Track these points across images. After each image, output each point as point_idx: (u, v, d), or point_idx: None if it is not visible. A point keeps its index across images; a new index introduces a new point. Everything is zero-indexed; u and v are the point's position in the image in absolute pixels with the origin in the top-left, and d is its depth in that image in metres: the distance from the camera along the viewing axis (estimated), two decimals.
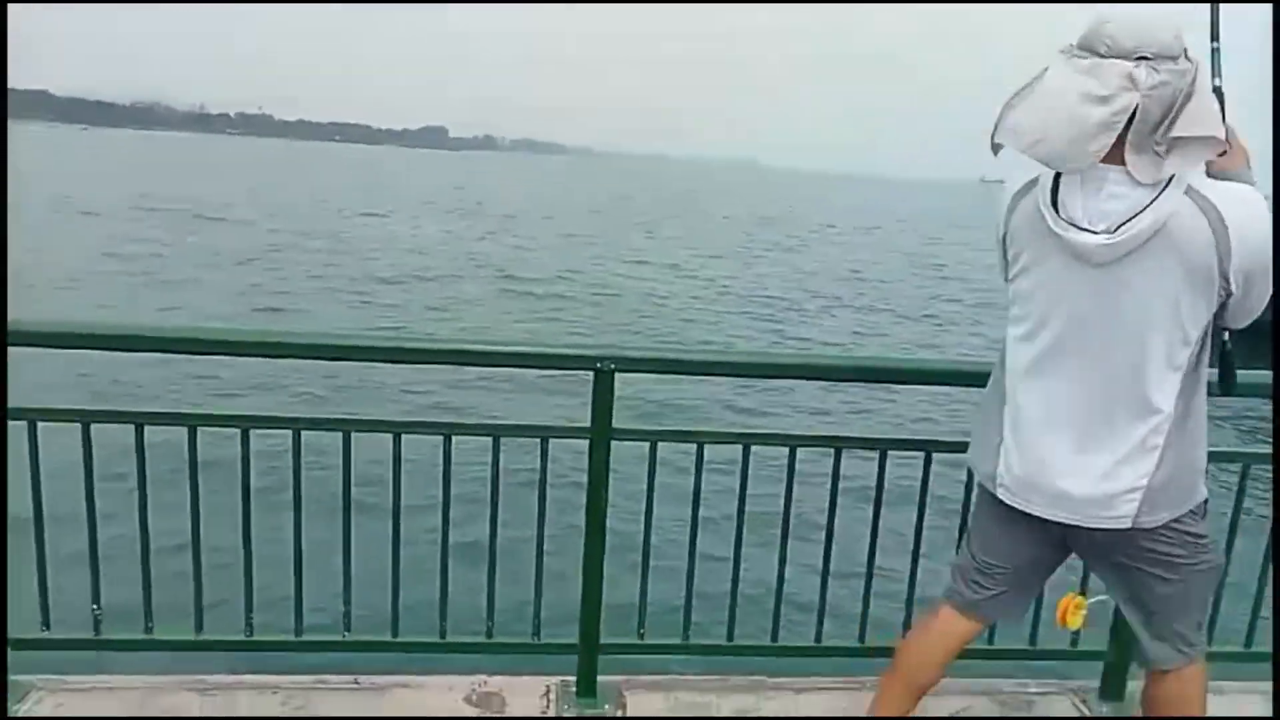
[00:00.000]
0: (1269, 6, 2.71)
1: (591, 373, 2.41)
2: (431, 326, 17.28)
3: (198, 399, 10.13)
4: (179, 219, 33.92)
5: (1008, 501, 1.95)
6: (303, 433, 2.44)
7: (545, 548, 2.57)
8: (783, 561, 2.62)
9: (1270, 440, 2.53)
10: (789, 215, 64.34)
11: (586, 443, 2.46)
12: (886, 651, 2.70)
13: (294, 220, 37.14)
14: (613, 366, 2.39)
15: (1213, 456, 2.65)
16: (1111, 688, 2.73)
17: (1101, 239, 1.71)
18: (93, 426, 2.37)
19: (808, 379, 2.96)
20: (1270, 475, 2.62)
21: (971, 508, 2.25)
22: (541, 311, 20.37)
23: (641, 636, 2.63)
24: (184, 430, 2.40)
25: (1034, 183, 1.85)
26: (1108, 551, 1.96)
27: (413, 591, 2.55)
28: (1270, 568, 2.72)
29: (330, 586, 2.52)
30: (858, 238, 48.46)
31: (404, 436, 2.46)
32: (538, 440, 2.50)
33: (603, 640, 2.55)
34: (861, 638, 2.68)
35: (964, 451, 2.61)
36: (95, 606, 2.45)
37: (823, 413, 12.02)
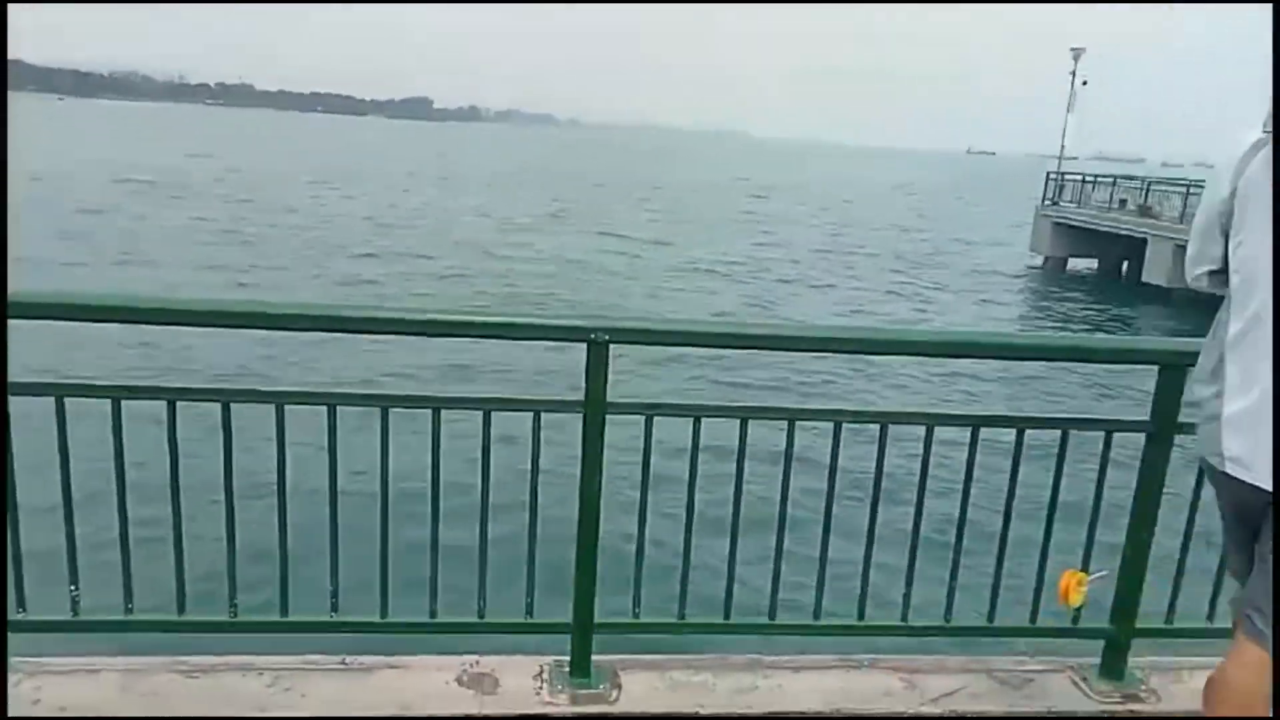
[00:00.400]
0: (1269, 6, 2.65)
1: (585, 344, 2.33)
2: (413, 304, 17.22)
3: (172, 376, 10.02)
4: (150, 192, 33.49)
5: (1235, 475, 1.82)
6: (286, 407, 2.35)
7: (538, 525, 2.50)
8: (780, 539, 2.56)
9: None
10: (779, 186, 64.15)
11: (580, 417, 2.38)
12: (885, 630, 2.67)
13: (269, 193, 36.73)
14: (607, 338, 2.31)
15: (1196, 429, 2.62)
16: (1112, 665, 2.70)
17: None
18: (66, 401, 2.28)
19: (813, 351, 2.88)
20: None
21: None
22: (526, 286, 20.26)
23: (637, 616, 2.57)
24: (163, 405, 2.31)
25: (1266, 139, 1.77)
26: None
27: (402, 570, 2.47)
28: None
29: (317, 566, 2.45)
30: (847, 209, 48.35)
31: (391, 411, 2.38)
32: (530, 415, 2.42)
33: (597, 620, 2.50)
34: (860, 615, 2.64)
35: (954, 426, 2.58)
36: (73, 587, 2.37)
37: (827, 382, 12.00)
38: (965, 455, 2.56)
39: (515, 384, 11.01)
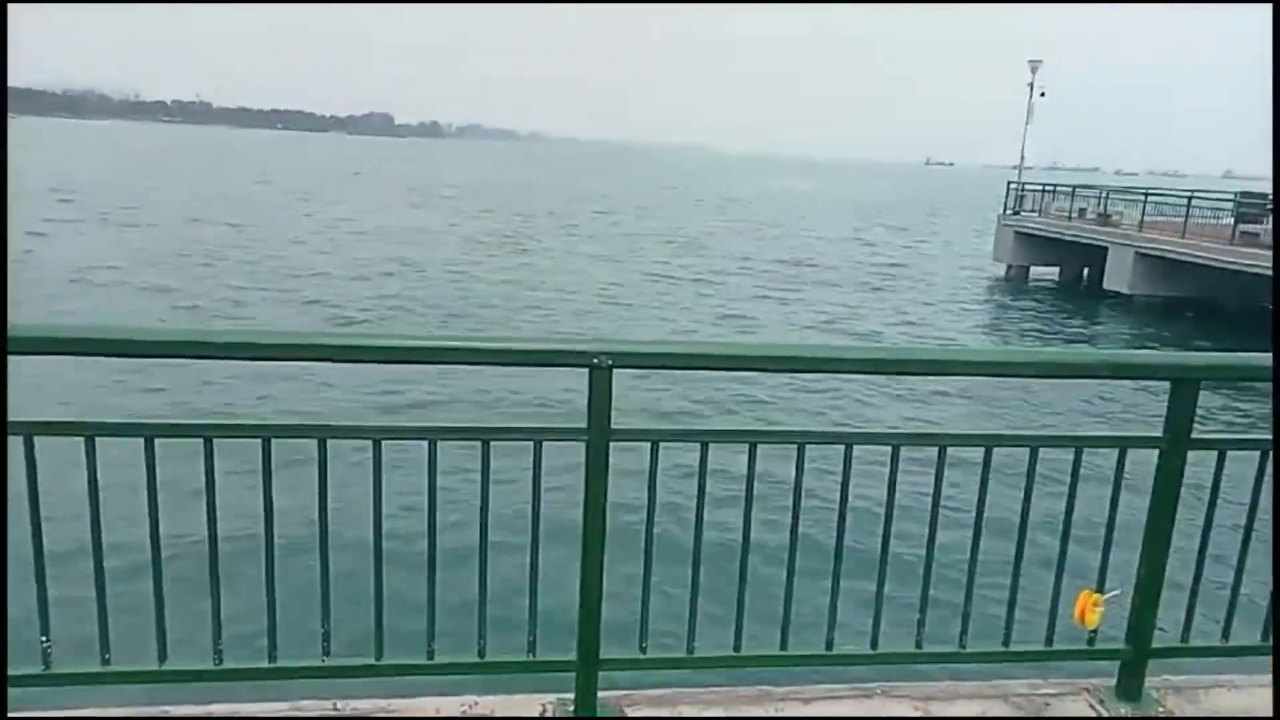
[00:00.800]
0: (1269, 7, 2.64)
1: (587, 369, 2.23)
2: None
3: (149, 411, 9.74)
4: (93, 212, 32.85)
5: None
6: (273, 441, 2.22)
7: (540, 558, 2.39)
8: (791, 566, 2.48)
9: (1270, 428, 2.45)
10: (746, 199, 64.53)
11: (583, 445, 2.28)
12: (900, 658, 2.59)
13: (230, 211, 36.22)
14: (610, 362, 2.22)
15: (1209, 444, 2.58)
16: (1128, 687, 2.64)
17: None
18: (36, 439, 2.13)
19: (820, 371, 2.80)
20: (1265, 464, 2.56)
21: None
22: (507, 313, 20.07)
23: (644, 650, 2.46)
24: (139, 442, 2.17)
25: None
26: None
27: (397, 610, 2.35)
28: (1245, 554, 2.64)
29: (307, 608, 2.32)
30: (812, 222, 48.69)
31: (385, 443, 2.26)
32: (530, 443, 2.31)
33: (603, 655, 2.39)
34: (874, 644, 2.55)
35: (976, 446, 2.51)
36: (44, 638, 2.21)
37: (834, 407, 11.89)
38: (978, 476, 2.49)
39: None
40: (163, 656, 2.27)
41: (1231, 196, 25.75)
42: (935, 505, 2.50)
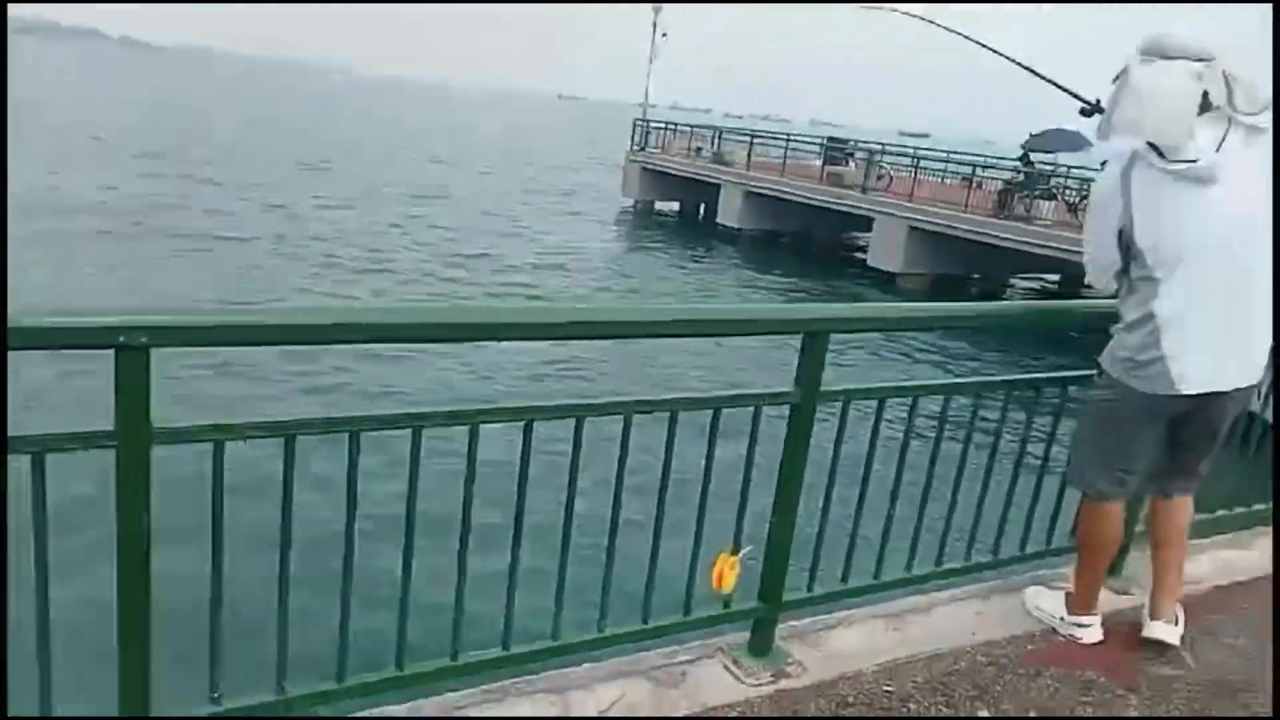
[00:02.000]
0: (1269, 6, 2.68)
1: (112, 350, 1.62)
2: None
3: None
4: None
5: (1192, 392, 2.46)
6: None
7: (51, 600, 1.75)
8: (408, 567, 2.08)
9: None
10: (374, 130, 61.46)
11: (113, 452, 1.68)
12: (535, 655, 2.32)
13: None
14: (144, 340, 1.63)
15: (836, 395, 2.59)
16: (760, 641, 2.60)
17: None
18: None
19: (423, 340, 2.39)
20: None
21: (1103, 431, 2.66)
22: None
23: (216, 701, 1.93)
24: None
25: (1143, 154, 2.36)
26: (1228, 413, 2.61)
27: None
28: None
29: None
30: (441, 152, 47.57)
31: None
32: (27, 459, 1.66)
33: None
34: (505, 644, 2.24)
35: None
36: None
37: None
38: (617, 445, 2.26)
39: None
40: None
41: (820, 141, 29.00)
42: (572, 481, 2.23)
